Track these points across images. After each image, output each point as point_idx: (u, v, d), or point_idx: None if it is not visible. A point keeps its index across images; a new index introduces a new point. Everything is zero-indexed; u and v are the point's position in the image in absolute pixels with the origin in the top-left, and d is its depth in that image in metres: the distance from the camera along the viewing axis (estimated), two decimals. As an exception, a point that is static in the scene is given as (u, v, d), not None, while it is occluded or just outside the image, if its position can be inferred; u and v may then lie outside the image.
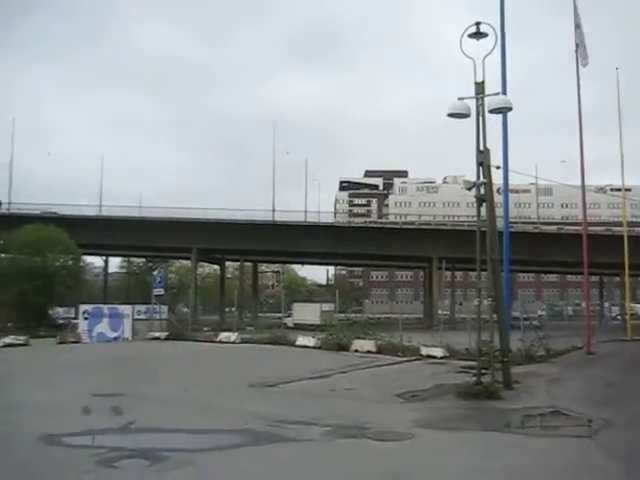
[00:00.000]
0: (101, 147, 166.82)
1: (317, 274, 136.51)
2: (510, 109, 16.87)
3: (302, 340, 30.55)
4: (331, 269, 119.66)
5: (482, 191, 16.29)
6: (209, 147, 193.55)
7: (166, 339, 35.90)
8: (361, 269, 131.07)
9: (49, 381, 18.39)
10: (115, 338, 40.89)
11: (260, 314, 79.22)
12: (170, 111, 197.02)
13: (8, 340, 34.83)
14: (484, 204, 16.46)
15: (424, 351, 25.42)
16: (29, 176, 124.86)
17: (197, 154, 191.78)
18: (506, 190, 23.49)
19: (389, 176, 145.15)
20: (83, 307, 45.45)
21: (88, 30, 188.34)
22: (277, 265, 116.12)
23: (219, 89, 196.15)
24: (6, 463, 9.00)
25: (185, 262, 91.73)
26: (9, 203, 70.66)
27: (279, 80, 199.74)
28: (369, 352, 26.38)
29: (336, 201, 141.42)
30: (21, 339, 35.48)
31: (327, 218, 75.62)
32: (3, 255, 59.35)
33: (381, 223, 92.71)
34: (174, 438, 11.13)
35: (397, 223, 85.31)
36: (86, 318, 43.16)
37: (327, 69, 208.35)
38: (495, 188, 17.14)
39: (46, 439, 10.32)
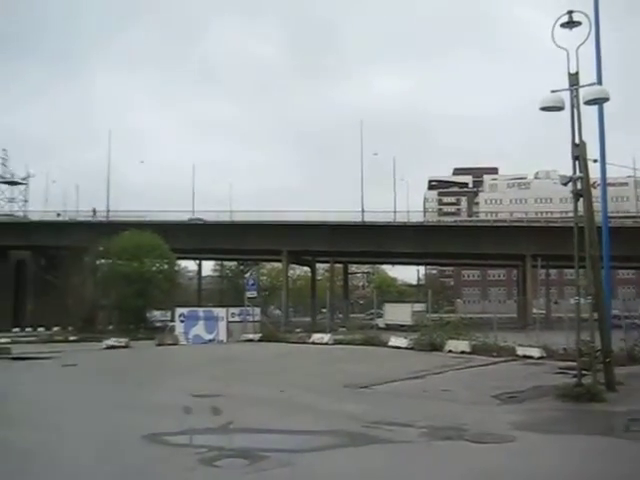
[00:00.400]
0: (191, 153, 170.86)
1: (407, 274, 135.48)
2: (607, 99, 16.23)
3: (395, 341, 30.39)
4: (421, 269, 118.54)
5: (579, 186, 15.78)
6: (294, 149, 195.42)
7: (260, 341, 36.40)
8: (452, 268, 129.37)
9: (151, 382, 19.00)
10: (210, 340, 41.74)
11: (351, 315, 79.35)
12: (255, 115, 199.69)
13: (110, 342, 36.21)
14: (581, 199, 15.95)
15: (520, 351, 24.82)
16: (125, 184, 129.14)
17: (282, 157, 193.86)
18: (604, 184, 22.64)
19: (478, 173, 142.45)
20: (179, 310, 46.64)
21: (177, 42, 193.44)
22: (367, 266, 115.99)
23: (302, 91, 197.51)
24: (114, 460, 9.38)
25: (276, 264, 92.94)
26: (107, 211, 73.50)
27: (363, 78, 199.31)
28: (463, 352, 25.99)
29: (425, 200, 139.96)
30: (122, 341, 36.79)
31: (416, 218, 75.00)
32: (103, 261, 61.68)
33: (471, 221, 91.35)
34: (272, 438, 11.25)
35: (488, 221, 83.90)
36: (182, 321, 44.29)
37: (411, 66, 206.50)
38: (591, 182, 16.57)
39: (150, 437, 10.65)
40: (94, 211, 76.11)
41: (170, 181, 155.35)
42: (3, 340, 43.80)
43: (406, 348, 28.95)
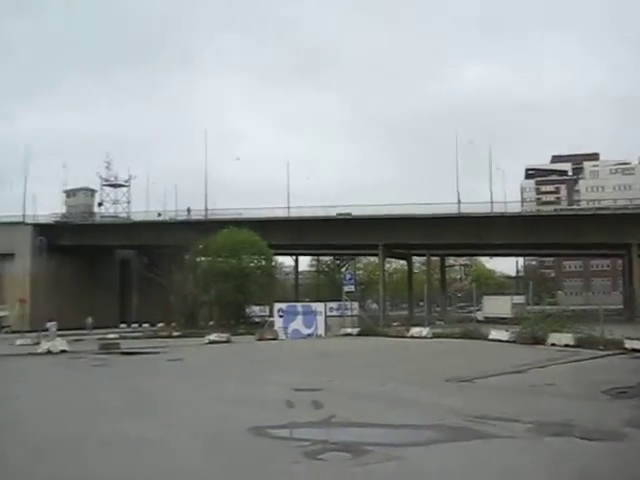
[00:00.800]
0: (285, 148, 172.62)
1: (506, 266, 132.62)
2: None
3: (495, 334, 29.86)
4: (520, 260, 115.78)
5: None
6: (387, 142, 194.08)
7: (358, 335, 36.49)
8: (552, 259, 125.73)
9: (253, 376, 19.35)
10: (309, 335, 42.20)
11: (449, 308, 78.47)
12: (348, 109, 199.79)
13: (212, 337, 37.15)
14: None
15: (628, 344, 23.88)
16: (222, 182, 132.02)
17: (376, 149, 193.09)
18: None
19: (578, 160, 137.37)
20: (278, 305, 47.37)
21: (270, 39, 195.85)
22: (465, 258, 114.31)
23: (395, 82, 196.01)
24: (221, 452, 9.60)
25: (372, 258, 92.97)
26: (205, 210, 75.31)
27: (457, 66, 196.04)
28: (567, 346, 25.22)
29: (522, 190, 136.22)
30: (223, 336, 37.66)
31: (514, 208, 73.11)
32: (203, 258, 63.32)
33: (572, 210, 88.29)
34: (374, 432, 11.21)
35: (590, 209, 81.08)
36: (281, 316, 44.97)
37: (507, 52, 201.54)
38: None
39: (254, 430, 10.81)
40: (188, 210, 78.27)
41: (265, 177, 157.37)
42: (111, 336, 45.78)
43: (507, 341, 28.39)
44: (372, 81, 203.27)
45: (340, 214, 70.04)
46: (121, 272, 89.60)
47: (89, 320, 60.31)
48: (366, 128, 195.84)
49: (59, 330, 45.41)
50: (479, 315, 52.84)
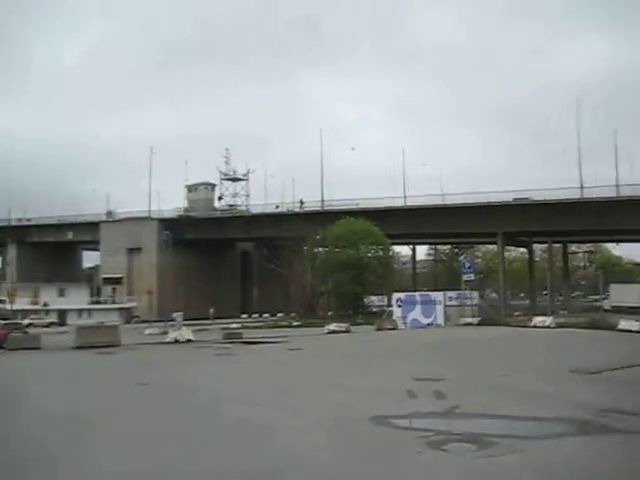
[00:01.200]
0: (400, 137, 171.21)
1: (635, 252, 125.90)
2: None
3: (624, 324, 28.65)
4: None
5: None
6: (503, 127, 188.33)
7: (478, 325, 35.96)
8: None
9: (374, 365, 19.48)
10: (428, 324, 41.93)
11: (572, 297, 75.72)
12: (462, 96, 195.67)
13: (332, 327, 37.63)
14: None
15: None
16: (337, 173, 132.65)
17: (491, 135, 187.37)
18: None
19: None
20: (396, 295, 47.34)
21: (380, 28, 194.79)
22: (589, 245, 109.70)
23: (509, 67, 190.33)
24: (344, 440, 9.69)
25: (491, 246, 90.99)
26: (322, 201, 75.98)
27: (575, 46, 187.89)
28: None
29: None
30: (343, 326, 38.07)
31: (642, 190, 69.20)
32: (321, 249, 64.05)
33: None
34: (498, 424, 10.99)
35: None
36: (399, 306, 44.90)
37: (629, 31, 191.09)
38: None
39: (377, 420, 10.86)
40: (301, 202, 79.27)
41: (380, 166, 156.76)
42: (234, 325, 47.24)
43: (637, 332, 27.16)
44: (482, 65, 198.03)
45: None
46: (242, 264, 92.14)
47: (211, 310, 62.44)
48: (483, 116, 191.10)
49: (184, 320, 47.27)
50: (606, 304, 50.79)
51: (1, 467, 8.24)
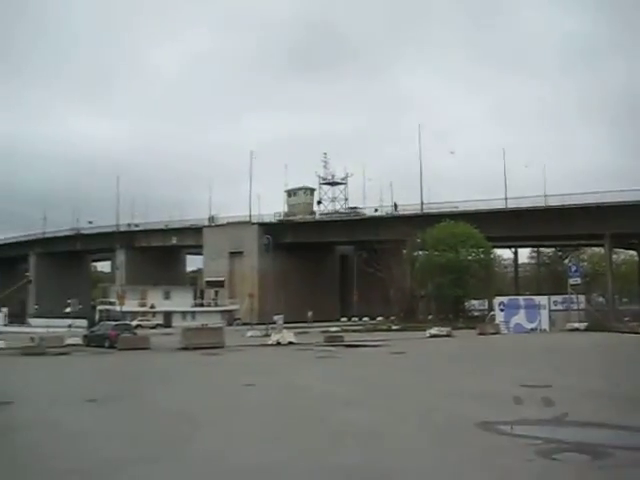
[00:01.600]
0: (500, 138, 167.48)
1: None
2: None
3: None
4: None
5: None
6: (604, 127, 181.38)
7: (586, 330, 34.77)
8: None
9: (478, 370, 19.21)
10: (532, 329, 40.90)
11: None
12: (562, 95, 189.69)
13: (433, 331, 37.28)
14: None
15: None
16: (436, 176, 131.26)
17: (592, 135, 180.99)
18: None
19: None
20: (498, 299, 46.39)
21: (477, 28, 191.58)
22: None
23: (610, 65, 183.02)
24: (450, 446, 9.52)
25: (597, 249, 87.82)
26: (421, 204, 75.36)
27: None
28: None
29: None
30: (444, 330, 37.64)
31: None
32: (420, 252, 63.52)
33: None
34: (613, 434, 10.50)
35: None
36: (502, 310, 43.97)
37: None
38: None
39: (483, 426, 10.67)
40: (395, 205, 78.90)
41: (480, 168, 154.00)
42: (333, 329, 47.48)
43: None
44: (586, 65, 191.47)
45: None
46: (341, 267, 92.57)
47: (309, 314, 62.99)
48: (583, 115, 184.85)
49: (284, 323, 47.89)
50: None
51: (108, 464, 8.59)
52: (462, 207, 69.67)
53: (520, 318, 42.06)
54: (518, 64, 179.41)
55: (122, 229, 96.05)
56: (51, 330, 48.68)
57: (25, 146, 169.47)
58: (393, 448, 9.32)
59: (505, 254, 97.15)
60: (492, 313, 47.29)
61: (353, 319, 72.08)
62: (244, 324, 62.40)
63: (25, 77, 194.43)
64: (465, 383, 16.22)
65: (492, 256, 67.75)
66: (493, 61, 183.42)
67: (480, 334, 37.95)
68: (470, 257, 59.28)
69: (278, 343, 33.03)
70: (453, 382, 16.52)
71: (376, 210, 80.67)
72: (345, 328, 51.14)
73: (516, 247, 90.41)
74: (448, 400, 13.61)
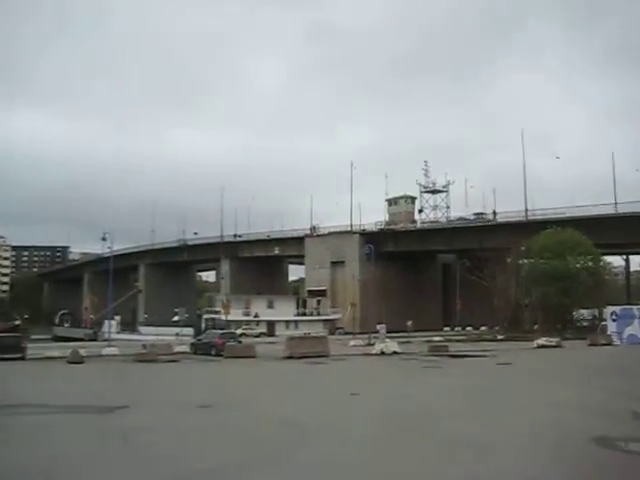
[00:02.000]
0: (609, 141, 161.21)
1: None
2: None
3: None
4: None
5: None
6: None
7: None
8: None
9: (590, 383, 18.54)
10: (647, 340, 39.19)
11: None
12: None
13: (541, 342, 36.26)
14: None
15: None
16: (540, 180, 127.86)
17: None
18: None
19: None
20: (610, 308, 44.62)
21: (576, 27, 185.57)
22: None
23: None
24: (566, 460, 9.26)
25: None
26: (525, 210, 73.43)
27: None
28: None
29: None
30: (552, 341, 36.54)
31: None
32: (525, 261, 61.92)
33: None
34: None
35: None
36: (614, 320, 42.28)
37: None
38: None
39: (600, 441, 10.23)
40: (494, 213, 77.31)
41: (587, 172, 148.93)
42: (436, 338, 47.00)
43: None
44: None
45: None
46: (443, 276, 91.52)
47: (409, 323, 62.53)
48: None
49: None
50: None
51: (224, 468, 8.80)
52: (569, 213, 67.31)
53: (634, 328, 40.28)
54: (624, 64, 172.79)
55: (226, 240, 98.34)
56: (160, 338, 50.47)
57: (133, 161, 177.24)
58: (511, 462, 9.10)
59: (615, 261, 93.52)
60: (603, 323, 45.50)
61: (456, 329, 71.10)
62: (346, 333, 62.71)
63: (128, 92, 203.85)
64: (579, 396, 15.67)
65: (601, 263, 65.22)
66: (595, 62, 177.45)
67: (591, 345, 36.62)
68: (578, 265, 57.33)
69: (382, 352, 32.98)
70: (565, 394, 15.98)
71: (478, 218, 79.28)
72: (448, 338, 50.51)
73: (627, 254, 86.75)
74: (561, 413, 13.17)
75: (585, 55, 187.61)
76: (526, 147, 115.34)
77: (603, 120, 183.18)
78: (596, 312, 59.85)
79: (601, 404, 14.30)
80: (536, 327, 57.23)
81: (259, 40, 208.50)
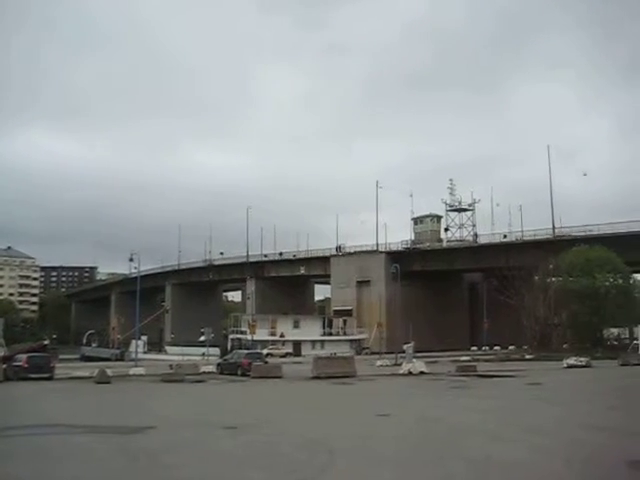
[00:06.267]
0: (630, 157, 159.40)
1: None
2: None
3: None
4: None
5: None
6: None
7: None
8: None
9: (624, 403, 18.28)
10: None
11: None
12: None
13: (571, 361, 35.72)
14: None
15: None
16: (567, 197, 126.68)
17: None
18: None
19: None
20: (640, 328, 44.00)
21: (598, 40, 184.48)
22: None
23: None
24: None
25: None
26: (553, 228, 72.79)
27: None
28: None
29: None
30: (582, 360, 35.99)
31: None
32: (554, 279, 61.23)
33: None
34: None
35: None
36: (648, 338, 41.69)
37: None
38: None
39: (637, 465, 9.93)
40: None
41: (614, 188, 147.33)
42: (464, 358, 46.49)
43: None
44: None
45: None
46: (470, 295, 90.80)
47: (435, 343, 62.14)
48: None
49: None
50: None
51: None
52: (597, 230, 66.69)
53: (666, 348, 39.75)
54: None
55: (252, 260, 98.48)
56: (186, 358, 50.57)
57: (158, 182, 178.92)
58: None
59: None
60: (635, 342, 44.80)
61: (483, 348, 70.34)
62: (372, 353, 62.33)
63: (156, 116, 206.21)
64: (611, 417, 15.37)
65: (632, 281, 64.31)
66: (620, 72, 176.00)
67: (623, 365, 35.98)
68: (607, 283, 56.57)
69: (410, 373, 32.71)
70: (597, 416, 15.68)
71: (505, 236, 78.68)
72: (476, 357, 49.98)
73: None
74: (593, 434, 12.87)
75: (610, 65, 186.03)
76: (557, 164, 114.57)
77: (631, 133, 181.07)
78: (627, 331, 58.92)
79: (635, 427, 13.98)
80: (565, 346, 56.44)
81: (277, 57, 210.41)
